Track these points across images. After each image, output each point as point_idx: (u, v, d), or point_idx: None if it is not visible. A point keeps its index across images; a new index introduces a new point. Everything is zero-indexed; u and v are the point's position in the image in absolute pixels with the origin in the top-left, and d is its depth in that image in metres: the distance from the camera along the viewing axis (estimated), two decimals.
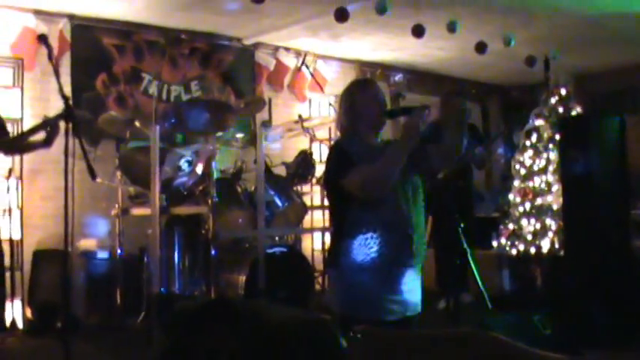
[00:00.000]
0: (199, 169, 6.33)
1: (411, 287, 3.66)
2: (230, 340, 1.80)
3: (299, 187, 7.30)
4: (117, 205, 6.59)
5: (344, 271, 3.61)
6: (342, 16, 7.09)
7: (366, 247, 3.56)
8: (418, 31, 7.52)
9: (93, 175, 4.36)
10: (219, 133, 6.36)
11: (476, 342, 1.65)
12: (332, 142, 4.06)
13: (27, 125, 7.07)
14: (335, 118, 4.13)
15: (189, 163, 6.30)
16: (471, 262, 7.14)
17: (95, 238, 7.08)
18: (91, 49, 7.76)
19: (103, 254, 7.00)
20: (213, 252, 5.79)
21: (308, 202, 7.55)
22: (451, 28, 7.36)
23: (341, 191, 3.59)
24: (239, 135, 7.26)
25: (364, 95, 3.76)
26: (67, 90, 7.18)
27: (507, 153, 10.96)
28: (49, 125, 5.47)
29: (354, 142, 3.70)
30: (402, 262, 3.61)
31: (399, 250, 3.59)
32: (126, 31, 7.99)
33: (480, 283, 7.18)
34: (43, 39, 4.55)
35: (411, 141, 3.58)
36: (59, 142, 7.17)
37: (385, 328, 2.85)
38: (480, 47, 8.14)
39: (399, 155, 3.56)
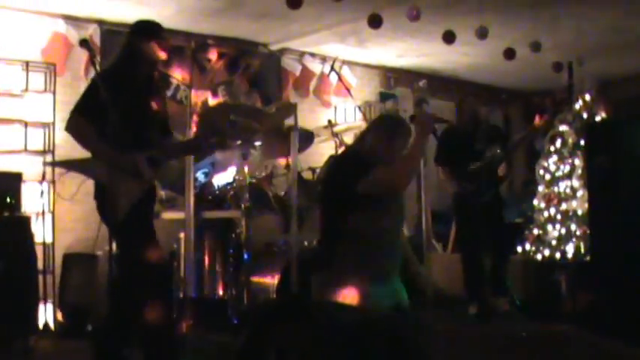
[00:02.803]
0: (219, 178, 6.43)
1: (399, 286, 3.99)
2: (302, 340, 1.89)
3: None
4: None
5: (340, 274, 3.83)
6: (375, 22, 7.17)
7: (361, 255, 3.83)
8: (449, 37, 7.58)
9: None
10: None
11: (575, 341, 1.74)
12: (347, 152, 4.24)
13: (58, 129, 7.25)
14: (360, 132, 4.32)
15: (206, 174, 6.44)
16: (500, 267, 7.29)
17: None
18: None
19: None
20: (245, 256, 5.90)
21: None
22: (482, 34, 7.43)
23: (351, 196, 3.84)
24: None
25: (401, 140, 4.10)
26: None
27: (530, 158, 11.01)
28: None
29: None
30: (392, 271, 3.95)
31: (390, 259, 3.92)
32: None
33: (508, 288, 7.32)
34: (85, 44, 4.64)
35: (427, 134, 3.98)
36: None
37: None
38: (509, 53, 8.20)
39: (419, 148, 3.94)
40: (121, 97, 4.49)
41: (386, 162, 3.97)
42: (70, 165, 5.04)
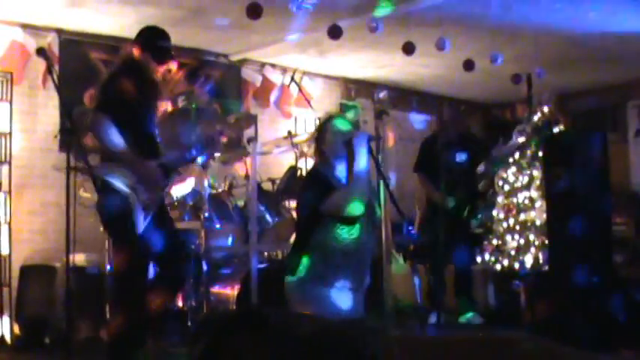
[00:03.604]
0: (178, 189, 6.42)
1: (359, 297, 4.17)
2: (258, 350, 1.90)
3: (288, 203, 7.41)
4: None
5: (303, 281, 4.06)
6: (335, 33, 7.20)
7: (328, 266, 4.05)
8: (409, 49, 7.63)
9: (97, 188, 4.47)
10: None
11: (520, 344, 1.77)
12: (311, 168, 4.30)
13: (15, 139, 7.17)
14: (313, 143, 4.41)
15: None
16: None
17: (84, 253, 7.13)
18: (79, 63, 7.80)
19: (91, 270, 7.04)
20: (204, 267, 5.89)
21: None
22: (440, 45, 7.50)
23: (318, 214, 4.07)
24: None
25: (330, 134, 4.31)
26: (55, 104, 7.31)
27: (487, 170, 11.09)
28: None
29: (330, 166, 4.22)
30: (356, 287, 4.13)
31: (355, 275, 4.11)
32: (114, 46, 8.02)
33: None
34: (42, 52, 4.61)
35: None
36: (48, 156, 7.32)
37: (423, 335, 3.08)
38: (468, 65, 8.27)
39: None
40: (141, 99, 4.55)
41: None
42: (93, 170, 4.98)
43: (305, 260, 4.07)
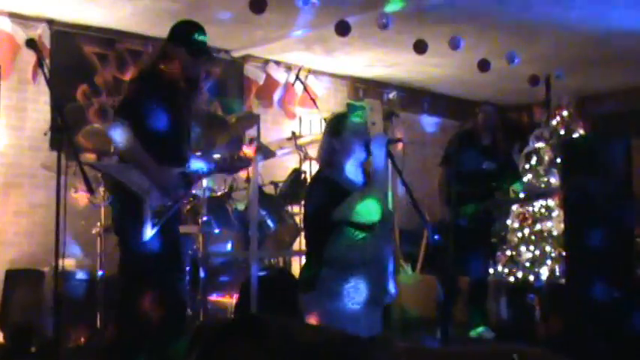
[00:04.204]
0: None
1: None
2: (257, 358, 1.88)
3: (290, 208, 7.40)
4: (99, 224, 6.64)
5: (322, 296, 3.93)
6: (343, 29, 7.19)
7: (346, 280, 3.91)
8: (420, 47, 7.62)
9: (90, 189, 4.44)
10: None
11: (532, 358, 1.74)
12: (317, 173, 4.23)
13: (2, 136, 7.17)
14: (323, 141, 4.31)
15: None
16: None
17: (74, 257, 7.12)
18: (72, 57, 7.80)
19: (82, 275, 7.03)
20: (202, 274, 5.87)
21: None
22: (454, 44, 7.48)
23: (331, 222, 3.92)
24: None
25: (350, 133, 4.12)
26: (46, 100, 7.30)
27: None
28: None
29: (340, 168, 4.10)
30: (377, 300, 4.01)
31: (376, 287, 3.97)
32: (108, 39, 8.06)
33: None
34: (32, 44, 4.61)
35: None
36: (37, 154, 7.31)
37: (430, 348, 3.04)
38: (483, 65, 8.26)
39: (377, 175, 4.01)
40: (164, 104, 4.54)
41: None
42: (105, 168, 4.94)
43: (321, 274, 3.94)
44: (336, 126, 4.15)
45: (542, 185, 8.29)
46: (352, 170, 4.10)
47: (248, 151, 5.35)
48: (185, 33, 4.85)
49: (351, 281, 3.90)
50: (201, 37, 4.86)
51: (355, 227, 3.92)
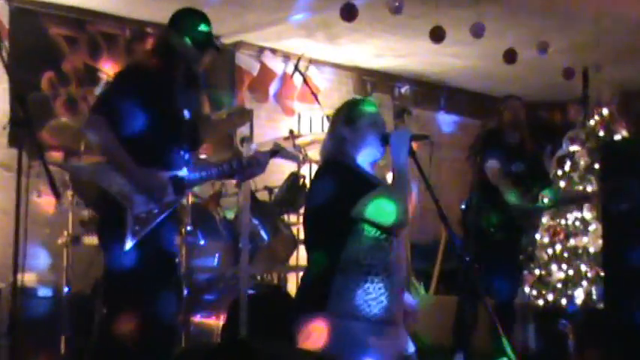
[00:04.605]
0: None
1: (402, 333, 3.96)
2: None
3: (287, 217, 7.36)
4: (66, 233, 6.59)
5: (335, 317, 3.72)
6: (349, 13, 7.15)
7: (366, 292, 3.73)
8: (438, 35, 7.59)
9: (57, 194, 4.36)
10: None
11: None
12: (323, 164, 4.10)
13: None
14: (329, 132, 4.22)
15: None
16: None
17: (36, 271, 7.06)
18: (35, 39, 7.72)
19: (45, 291, 6.98)
20: (185, 291, 5.82)
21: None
22: (476, 31, 7.44)
23: (348, 221, 3.75)
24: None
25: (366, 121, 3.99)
26: (4, 88, 7.24)
27: None
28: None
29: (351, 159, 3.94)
30: (397, 314, 3.87)
31: (395, 299, 3.82)
32: (79, 20, 8.00)
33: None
34: None
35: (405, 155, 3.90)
36: None
37: None
38: (510, 56, 8.22)
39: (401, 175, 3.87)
40: (150, 102, 4.53)
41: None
42: (78, 169, 4.90)
43: (334, 282, 3.74)
44: (350, 113, 4.01)
45: None
46: (364, 167, 3.95)
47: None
48: (190, 24, 4.84)
49: (370, 295, 3.72)
50: (206, 28, 4.87)
51: (376, 227, 3.77)
